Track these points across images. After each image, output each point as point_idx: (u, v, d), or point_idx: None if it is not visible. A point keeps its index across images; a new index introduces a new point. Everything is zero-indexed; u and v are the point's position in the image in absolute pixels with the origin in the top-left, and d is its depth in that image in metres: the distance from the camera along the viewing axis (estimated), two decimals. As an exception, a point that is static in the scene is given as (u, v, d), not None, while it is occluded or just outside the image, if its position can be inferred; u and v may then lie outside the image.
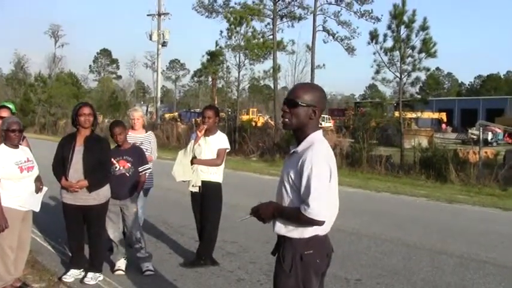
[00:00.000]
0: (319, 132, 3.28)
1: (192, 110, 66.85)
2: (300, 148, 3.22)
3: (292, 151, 3.30)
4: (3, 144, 5.35)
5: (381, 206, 12.44)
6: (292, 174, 3.18)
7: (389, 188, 15.47)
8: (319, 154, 3.12)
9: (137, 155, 6.56)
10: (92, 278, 6.00)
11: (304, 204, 3.06)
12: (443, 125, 57.18)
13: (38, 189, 5.56)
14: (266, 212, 3.29)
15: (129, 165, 6.42)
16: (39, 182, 5.62)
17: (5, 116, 5.90)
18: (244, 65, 27.31)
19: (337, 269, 6.62)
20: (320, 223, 3.10)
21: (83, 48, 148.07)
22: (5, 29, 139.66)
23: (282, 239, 3.30)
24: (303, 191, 3.09)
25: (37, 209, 5.62)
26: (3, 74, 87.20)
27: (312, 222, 3.09)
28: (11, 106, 7.11)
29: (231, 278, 6.37)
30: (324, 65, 31.30)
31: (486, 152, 19.66)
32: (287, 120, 3.27)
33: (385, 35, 20.05)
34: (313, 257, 3.21)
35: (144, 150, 6.96)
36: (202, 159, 6.67)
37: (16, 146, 5.41)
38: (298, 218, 3.11)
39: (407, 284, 6.39)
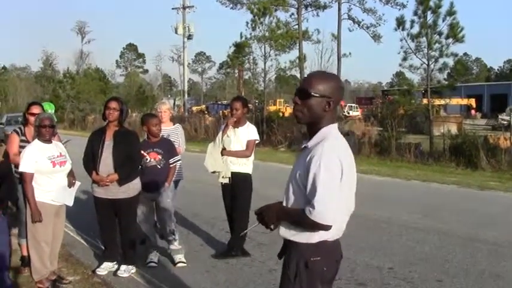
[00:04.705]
0: (334, 126, 2.93)
1: (220, 102, 66.97)
2: (310, 143, 2.89)
3: (303, 146, 2.97)
4: (36, 140, 5.43)
5: (411, 194, 12.35)
6: (300, 171, 2.84)
7: (419, 175, 15.32)
8: (329, 150, 2.76)
9: (167, 147, 6.59)
10: (125, 270, 6.07)
11: (309, 205, 2.70)
12: (473, 111, 56.22)
13: (70, 184, 5.63)
14: (270, 215, 2.94)
15: (160, 157, 6.45)
16: (71, 176, 5.68)
17: (37, 113, 5.98)
18: (270, 56, 27.30)
19: (369, 258, 6.60)
20: (326, 228, 2.74)
21: (110, 44, 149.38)
22: (33, 28, 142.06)
23: (287, 243, 2.99)
24: (309, 190, 2.74)
25: (70, 203, 5.69)
26: (32, 71, 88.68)
27: (317, 227, 2.74)
28: (47, 107, 7.23)
29: (263, 269, 6.38)
30: (350, 53, 31.16)
31: (517, 138, 19.32)
32: (299, 113, 2.94)
33: (412, 21, 19.88)
34: (319, 264, 2.87)
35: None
36: (232, 151, 6.70)
37: (49, 141, 5.49)
38: (302, 221, 2.77)
39: (440, 272, 6.32)
